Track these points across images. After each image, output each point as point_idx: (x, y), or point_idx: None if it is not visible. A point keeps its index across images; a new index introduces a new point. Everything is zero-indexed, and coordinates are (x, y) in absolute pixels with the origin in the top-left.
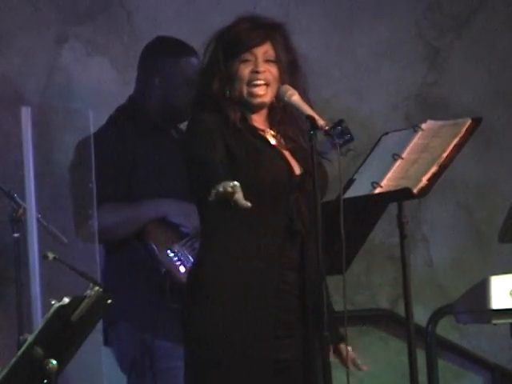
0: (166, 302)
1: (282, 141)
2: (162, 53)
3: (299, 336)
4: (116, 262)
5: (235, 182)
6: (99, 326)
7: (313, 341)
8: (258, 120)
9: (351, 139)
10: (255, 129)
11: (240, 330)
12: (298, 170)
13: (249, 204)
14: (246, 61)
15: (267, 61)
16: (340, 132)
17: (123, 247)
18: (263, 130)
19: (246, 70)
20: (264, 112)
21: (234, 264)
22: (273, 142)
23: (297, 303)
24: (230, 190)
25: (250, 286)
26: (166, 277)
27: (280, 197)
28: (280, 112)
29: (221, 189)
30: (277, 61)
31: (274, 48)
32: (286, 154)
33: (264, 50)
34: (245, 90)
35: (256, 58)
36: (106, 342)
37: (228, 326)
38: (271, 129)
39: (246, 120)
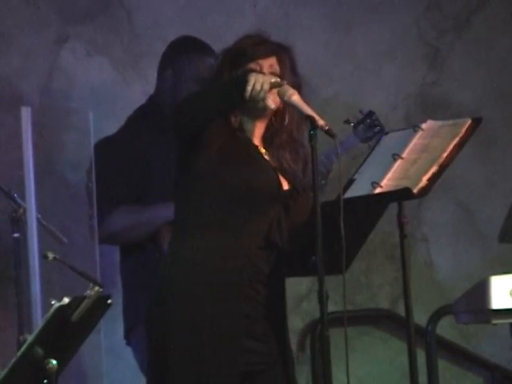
0: None
1: (274, 161)
2: (178, 49)
3: (270, 341)
4: (132, 264)
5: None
6: (99, 325)
7: (287, 345)
8: (255, 136)
9: (382, 131)
10: (250, 140)
11: (207, 328)
12: (286, 186)
13: (273, 106)
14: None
15: (272, 73)
16: (369, 125)
17: (137, 250)
18: (257, 146)
19: None
20: (260, 129)
21: (206, 262)
22: (266, 157)
23: (262, 311)
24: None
25: (219, 285)
26: None
27: (264, 206)
28: (280, 135)
29: (258, 86)
30: (281, 76)
31: (280, 64)
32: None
33: (270, 63)
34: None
35: (261, 69)
36: (128, 343)
37: (195, 323)
38: (264, 148)
39: (243, 130)
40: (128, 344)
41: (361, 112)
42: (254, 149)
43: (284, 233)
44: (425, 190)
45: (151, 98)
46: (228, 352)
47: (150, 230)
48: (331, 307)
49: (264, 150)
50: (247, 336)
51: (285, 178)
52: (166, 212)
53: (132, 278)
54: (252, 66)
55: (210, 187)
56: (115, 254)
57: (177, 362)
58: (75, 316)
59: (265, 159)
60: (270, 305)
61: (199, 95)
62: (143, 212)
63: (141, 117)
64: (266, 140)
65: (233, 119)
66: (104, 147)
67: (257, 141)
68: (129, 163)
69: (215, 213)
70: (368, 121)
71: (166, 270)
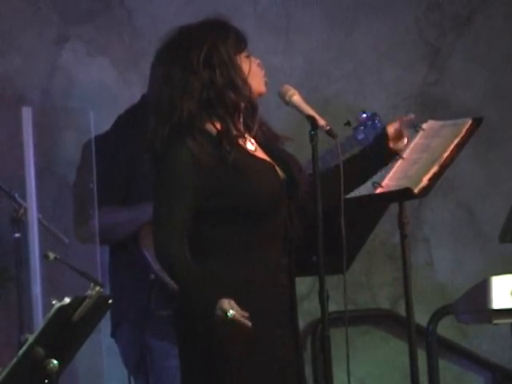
0: (153, 309)
1: (259, 146)
2: None
3: (291, 336)
4: (118, 262)
5: (230, 312)
6: (100, 326)
7: (301, 340)
8: (240, 124)
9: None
10: (236, 145)
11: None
12: (282, 176)
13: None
14: (249, 55)
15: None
16: (370, 127)
17: (124, 249)
18: (242, 136)
19: (254, 65)
20: (240, 117)
21: (232, 272)
22: (252, 147)
23: (288, 304)
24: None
25: (248, 290)
26: (154, 283)
27: (274, 208)
28: (254, 114)
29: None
30: None
31: None
32: (268, 159)
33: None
34: (260, 85)
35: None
36: (114, 336)
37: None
38: (249, 133)
39: (227, 131)
40: (112, 336)
41: (363, 113)
42: (243, 154)
43: (298, 226)
44: (425, 190)
45: (143, 98)
46: (263, 350)
47: (131, 229)
48: (332, 307)
49: (250, 138)
50: (275, 332)
51: (279, 164)
52: (147, 212)
53: (118, 276)
54: (246, 54)
55: (220, 211)
56: None
57: (213, 362)
58: (76, 316)
59: (258, 158)
60: (290, 298)
61: (180, 276)
62: (125, 212)
63: (130, 117)
64: (248, 125)
65: (209, 126)
66: (91, 147)
67: (242, 127)
68: (114, 164)
69: (232, 233)
70: (369, 123)
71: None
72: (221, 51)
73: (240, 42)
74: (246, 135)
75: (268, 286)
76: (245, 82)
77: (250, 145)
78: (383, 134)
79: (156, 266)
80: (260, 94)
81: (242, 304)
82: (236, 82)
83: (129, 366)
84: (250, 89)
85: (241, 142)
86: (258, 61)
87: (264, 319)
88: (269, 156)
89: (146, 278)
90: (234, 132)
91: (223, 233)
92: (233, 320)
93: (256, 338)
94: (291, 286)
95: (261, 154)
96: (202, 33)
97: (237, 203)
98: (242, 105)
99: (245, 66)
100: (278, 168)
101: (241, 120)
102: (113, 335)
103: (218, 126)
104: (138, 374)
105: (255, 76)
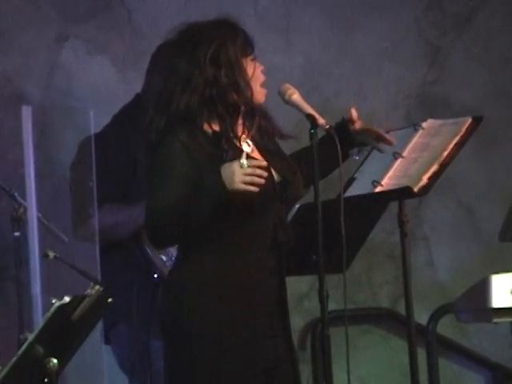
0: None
1: (255, 147)
2: None
3: (281, 337)
4: (112, 261)
5: (244, 162)
6: (100, 325)
7: (292, 341)
8: (237, 126)
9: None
10: (233, 144)
11: (228, 330)
12: (276, 177)
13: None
14: (254, 59)
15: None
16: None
17: (119, 247)
18: (238, 137)
19: (258, 70)
20: (238, 119)
21: (220, 272)
22: (247, 148)
23: (278, 306)
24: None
25: (236, 289)
26: (158, 282)
27: (265, 209)
28: (253, 117)
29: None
30: None
31: None
32: (264, 161)
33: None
34: (259, 90)
35: (255, 58)
36: (107, 341)
37: (217, 326)
38: (246, 135)
39: (223, 130)
40: (106, 343)
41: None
42: (238, 154)
43: (288, 229)
44: (425, 189)
45: (137, 97)
46: (251, 351)
47: (132, 228)
48: (332, 306)
49: (247, 140)
50: (267, 333)
51: (273, 166)
52: None
53: (113, 275)
54: (252, 58)
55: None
56: None
57: (202, 363)
58: (76, 315)
59: (254, 159)
60: (280, 299)
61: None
62: (125, 210)
63: (127, 117)
64: (245, 127)
65: (206, 126)
66: (89, 146)
67: (240, 130)
68: (113, 163)
69: (219, 231)
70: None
71: (183, 276)
72: (229, 51)
73: (248, 45)
74: (243, 136)
75: (254, 286)
76: (247, 84)
77: (246, 146)
78: (344, 120)
79: (158, 264)
80: (258, 100)
81: (227, 304)
82: (239, 83)
83: (124, 367)
84: (251, 92)
85: (237, 142)
86: (262, 67)
87: (252, 320)
88: (265, 158)
89: (149, 278)
90: (231, 133)
91: (210, 230)
92: (250, 170)
93: (246, 339)
94: (281, 288)
95: (256, 155)
96: (211, 30)
97: (226, 201)
98: (242, 107)
99: (249, 70)
100: (272, 170)
101: (239, 122)
102: (106, 337)
103: (215, 127)
104: (134, 374)
105: (257, 81)
